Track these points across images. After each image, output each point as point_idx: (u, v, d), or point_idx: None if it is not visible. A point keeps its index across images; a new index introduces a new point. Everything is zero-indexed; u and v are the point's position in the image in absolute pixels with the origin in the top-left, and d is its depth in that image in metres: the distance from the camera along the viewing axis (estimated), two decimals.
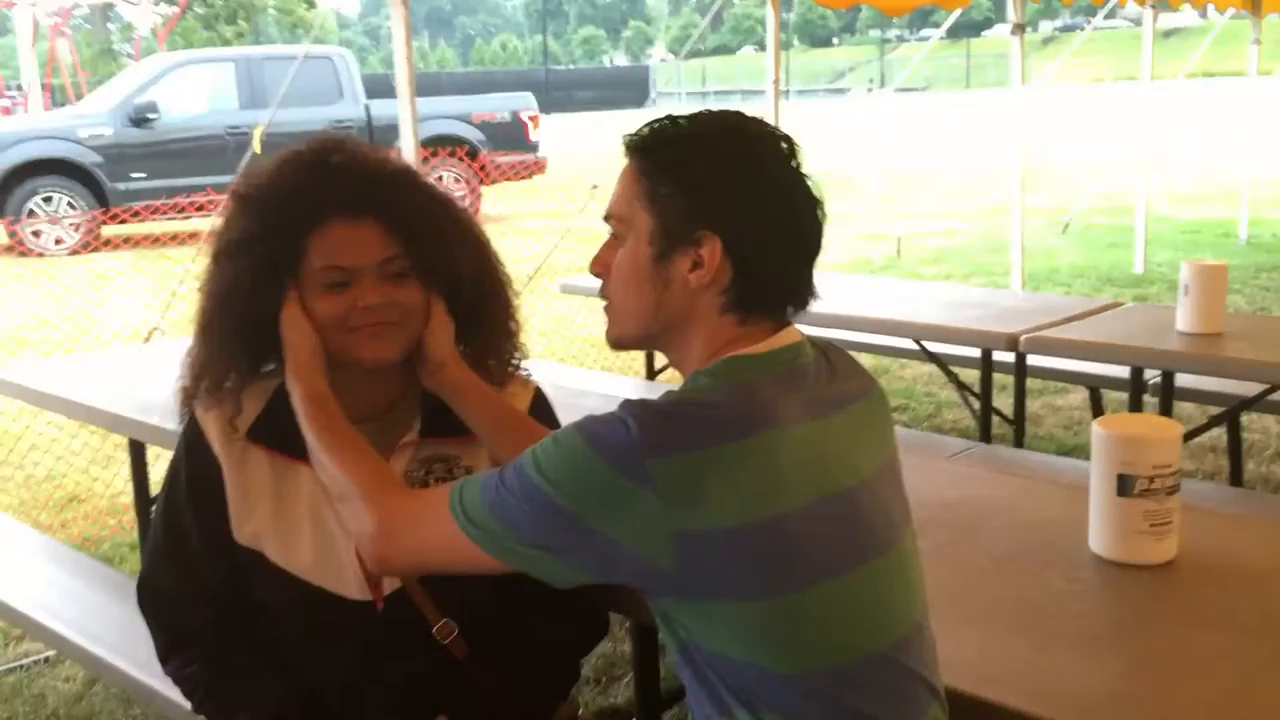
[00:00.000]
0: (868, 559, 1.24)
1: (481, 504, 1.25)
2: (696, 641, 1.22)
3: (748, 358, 1.27)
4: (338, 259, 1.53)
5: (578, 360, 6.06)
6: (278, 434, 1.59)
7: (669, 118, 1.30)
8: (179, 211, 10.67)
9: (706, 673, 1.23)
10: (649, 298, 1.29)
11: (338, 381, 1.59)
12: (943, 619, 1.54)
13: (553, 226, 7.70)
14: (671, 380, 4.99)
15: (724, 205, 1.24)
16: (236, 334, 1.56)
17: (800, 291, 1.31)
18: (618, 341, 1.37)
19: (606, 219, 1.33)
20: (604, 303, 1.37)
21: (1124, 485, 1.65)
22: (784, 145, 1.28)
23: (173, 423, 2.60)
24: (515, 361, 1.70)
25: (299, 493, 1.59)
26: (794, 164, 1.28)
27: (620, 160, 1.32)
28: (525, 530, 1.22)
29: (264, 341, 1.57)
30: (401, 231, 1.55)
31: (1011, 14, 6.70)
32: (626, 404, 1.21)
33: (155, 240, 10.55)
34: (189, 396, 1.63)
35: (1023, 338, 3.27)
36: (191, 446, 1.62)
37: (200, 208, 9.70)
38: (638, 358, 5.77)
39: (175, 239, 8.70)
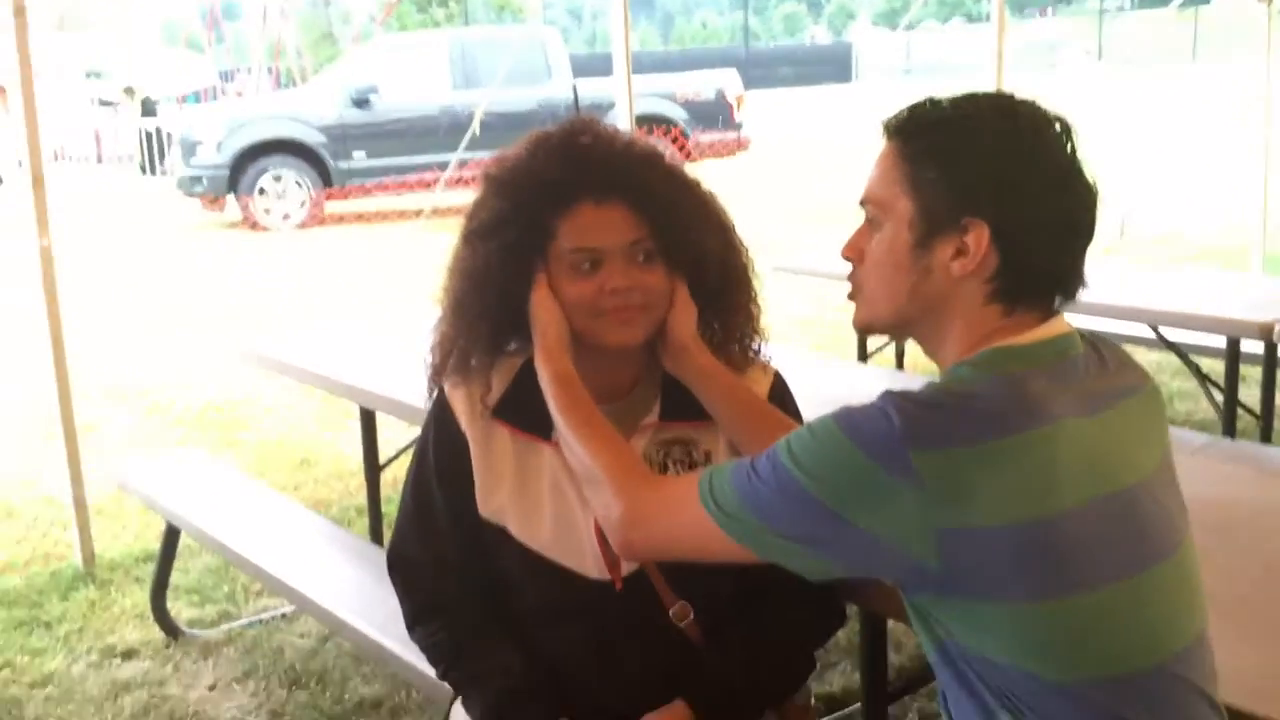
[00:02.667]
0: (1150, 564, 1.17)
1: (733, 494, 1.23)
2: (958, 641, 1.18)
3: (1014, 348, 1.21)
4: (586, 240, 1.53)
5: (785, 339, 6.01)
6: (521, 412, 1.62)
7: (930, 100, 1.25)
8: (398, 189, 11.10)
9: (968, 673, 1.18)
10: (904, 285, 1.24)
11: (581, 362, 1.60)
12: (1215, 630, 1.44)
13: (758, 205, 7.66)
14: (883, 363, 4.89)
15: (992, 191, 1.18)
16: (485, 314, 1.59)
17: (1070, 281, 1.24)
18: (868, 325, 1.32)
19: (862, 204, 1.29)
20: (849, 288, 1.32)
21: None
22: (1058, 127, 1.21)
23: (402, 392, 2.72)
24: (756, 346, 1.67)
25: (541, 470, 1.61)
26: (1069, 147, 1.21)
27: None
28: (780, 522, 1.19)
29: (511, 321, 1.60)
30: (649, 213, 1.54)
31: None
32: (887, 394, 1.17)
33: (375, 215, 11.04)
34: (437, 373, 1.67)
35: (1278, 326, 3.06)
36: (440, 422, 1.66)
37: (426, 185, 10.02)
38: (849, 339, 5.68)
39: (396, 214, 9.05)
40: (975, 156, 1.19)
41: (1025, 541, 1.11)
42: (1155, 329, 3.72)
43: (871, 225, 1.28)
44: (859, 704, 2.26)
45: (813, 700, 1.75)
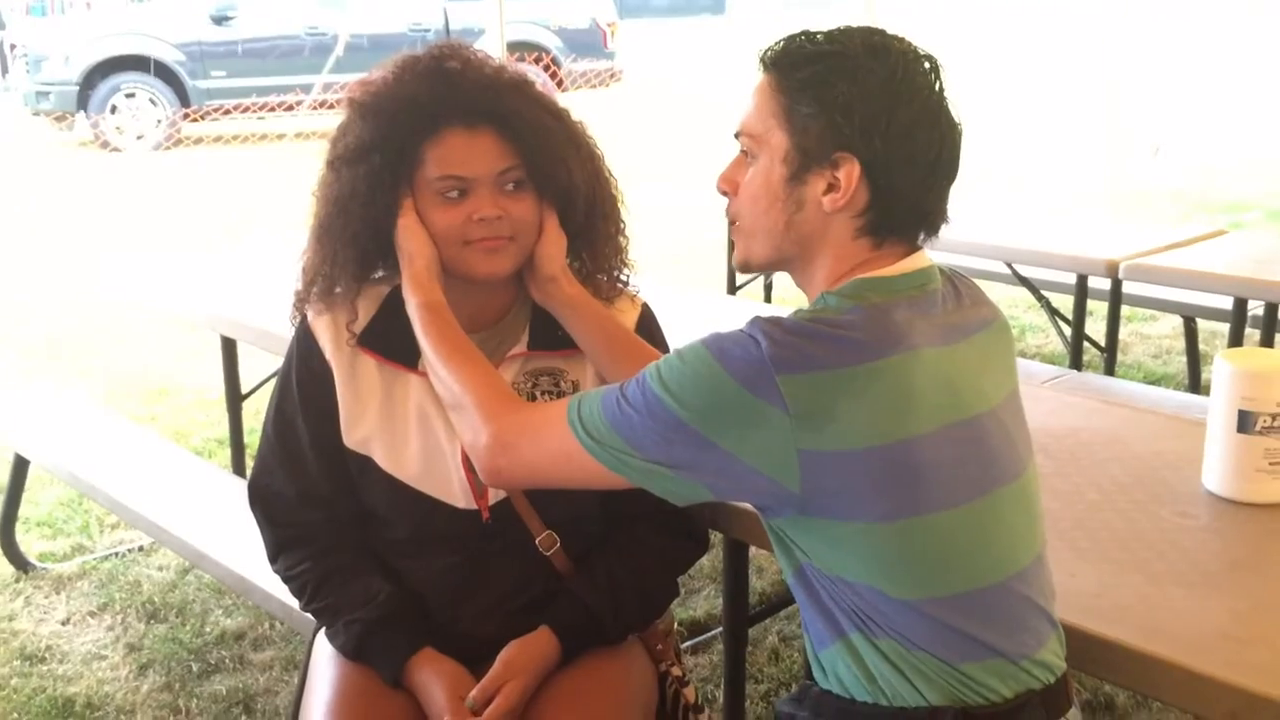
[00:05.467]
0: (994, 487, 1.22)
1: (602, 419, 1.24)
2: (814, 563, 1.22)
3: (879, 280, 1.24)
4: (454, 168, 1.51)
5: (655, 272, 6.02)
6: (388, 340, 1.60)
7: (805, 33, 1.25)
8: (260, 111, 10.72)
9: (821, 594, 1.23)
10: (780, 218, 1.26)
11: (449, 291, 1.59)
12: (1054, 550, 1.52)
13: (630, 137, 7.64)
14: (751, 296, 4.95)
15: (865, 127, 1.20)
16: (350, 241, 1.56)
17: (935, 217, 1.28)
18: (746, 264, 1.33)
19: (737, 136, 1.29)
20: (732, 222, 1.33)
21: (1245, 421, 1.61)
22: (927, 65, 1.23)
23: (267, 322, 2.66)
24: (624, 277, 1.68)
25: (407, 400, 1.60)
26: (937, 86, 1.24)
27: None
28: (647, 446, 1.21)
29: (377, 248, 1.58)
30: (518, 142, 1.53)
31: None
32: (756, 321, 1.19)
33: (235, 138, 10.65)
34: (301, 301, 1.64)
35: (1123, 264, 3.19)
36: (303, 351, 1.63)
37: (288, 108, 9.71)
38: (719, 272, 5.74)
39: (258, 137, 8.75)
40: (848, 92, 1.20)
41: (880, 463, 1.16)
42: (1010, 265, 3.85)
43: (746, 158, 1.29)
44: (721, 628, 2.32)
45: (675, 625, 1.79)
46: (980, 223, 3.90)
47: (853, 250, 1.25)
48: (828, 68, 1.21)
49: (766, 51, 1.26)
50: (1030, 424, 1.34)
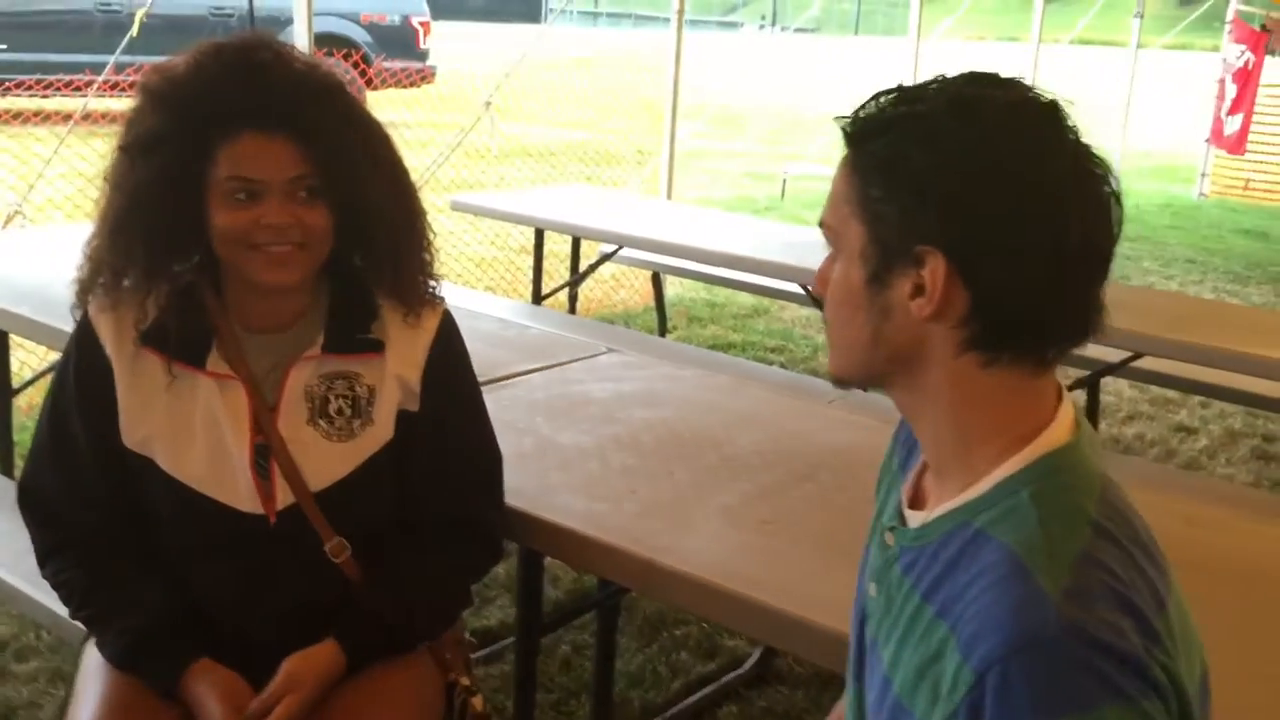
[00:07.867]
0: None
1: None
2: None
3: (1067, 457, 0.96)
4: (245, 170, 1.47)
5: (463, 280, 5.99)
6: (174, 340, 1.55)
7: (887, 92, 0.99)
8: (43, 90, 10.11)
9: None
10: (865, 330, 1.01)
11: (243, 291, 1.55)
12: (832, 566, 1.59)
13: (440, 139, 7.57)
14: (557, 306, 4.97)
15: (948, 210, 0.93)
16: (141, 236, 1.51)
17: (1069, 322, 0.97)
18: (838, 379, 1.07)
19: (821, 225, 1.05)
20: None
21: None
22: (1047, 120, 0.95)
23: (43, 314, 2.52)
24: (431, 289, 1.66)
25: (194, 401, 1.55)
26: (1065, 147, 0.95)
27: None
28: None
29: (171, 244, 1.52)
30: (316, 150, 1.49)
31: None
32: (1067, 633, 0.85)
33: (16, 117, 10.00)
34: (84, 291, 1.56)
35: None
36: (82, 346, 1.56)
37: (76, 87, 9.20)
38: (524, 280, 5.73)
39: (41, 117, 8.27)
40: (925, 165, 0.94)
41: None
42: (805, 288, 4.00)
43: (834, 255, 1.05)
44: (514, 638, 2.32)
45: (467, 634, 1.78)
46: (778, 247, 4.04)
47: (963, 372, 0.98)
48: (902, 134, 0.96)
49: (845, 119, 1.01)
50: (818, 439, 1.37)
